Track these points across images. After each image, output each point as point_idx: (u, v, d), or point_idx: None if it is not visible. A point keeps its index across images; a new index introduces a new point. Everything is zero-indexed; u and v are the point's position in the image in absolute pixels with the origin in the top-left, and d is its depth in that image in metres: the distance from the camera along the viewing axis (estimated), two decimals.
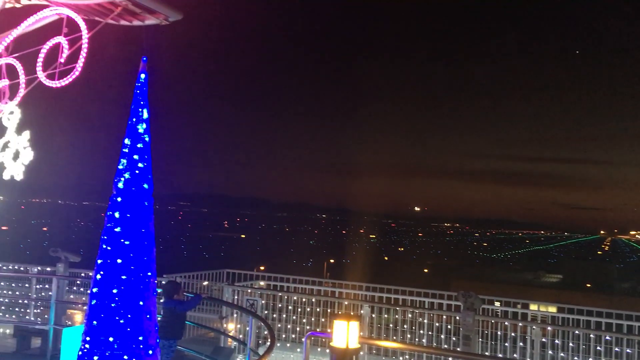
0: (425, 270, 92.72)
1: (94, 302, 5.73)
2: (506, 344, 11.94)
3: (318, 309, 13.48)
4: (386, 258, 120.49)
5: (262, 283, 17.17)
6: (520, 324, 12.16)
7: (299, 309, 13.70)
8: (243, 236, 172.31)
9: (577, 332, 11.61)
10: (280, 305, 13.91)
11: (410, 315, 12.79)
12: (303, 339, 11.80)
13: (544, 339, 11.62)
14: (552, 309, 16.29)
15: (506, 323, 12.16)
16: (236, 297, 14.15)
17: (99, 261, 5.80)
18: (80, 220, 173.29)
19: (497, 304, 14.68)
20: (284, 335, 13.60)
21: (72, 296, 16.37)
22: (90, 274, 15.39)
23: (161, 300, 8.08)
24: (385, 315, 13.17)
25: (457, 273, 76.74)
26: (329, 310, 13.39)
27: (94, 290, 5.78)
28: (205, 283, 17.09)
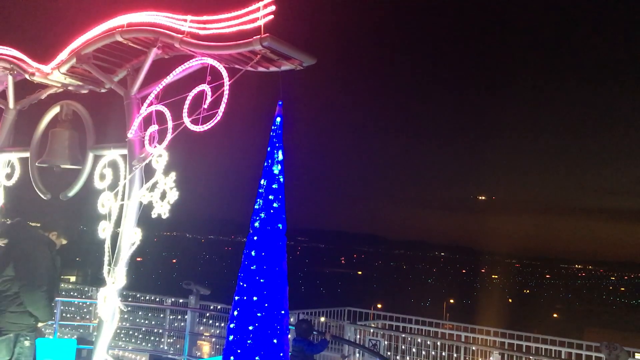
0: (555, 315, 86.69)
1: (231, 337, 5.91)
2: None
3: (443, 353, 13.00)
4: (510, 300, 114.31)
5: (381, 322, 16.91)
6: None
7: (423, 352, 13.29)
8: (360, 273, 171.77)
9: None
10: (403, 347, 13.58)
11: None
12: None
13: None
14: None
15: None
16: (358, 336, 14.01)
17: (236, 297, 6.00)
18: (205, 253, 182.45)
19: None
20: None
21: (201, 327, 17.09)
22: (219, 306, 16.12)
23: (290, 337, 8.15)
24: None
25: (591, 320, 70.96)
26: (455, 355, 12.86)
27: (231, 325, 5.97)
28: (322, 319, 17.09)
